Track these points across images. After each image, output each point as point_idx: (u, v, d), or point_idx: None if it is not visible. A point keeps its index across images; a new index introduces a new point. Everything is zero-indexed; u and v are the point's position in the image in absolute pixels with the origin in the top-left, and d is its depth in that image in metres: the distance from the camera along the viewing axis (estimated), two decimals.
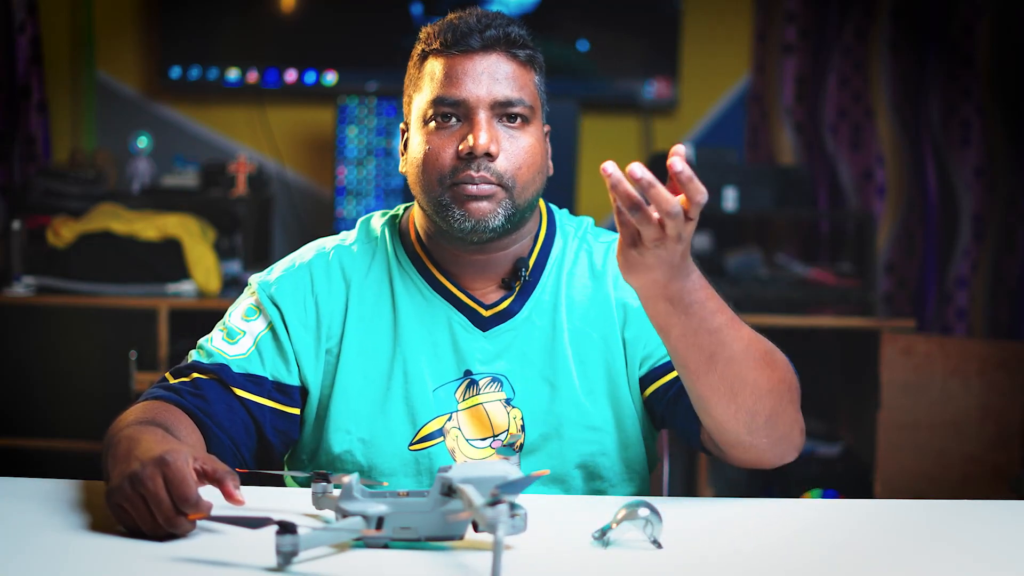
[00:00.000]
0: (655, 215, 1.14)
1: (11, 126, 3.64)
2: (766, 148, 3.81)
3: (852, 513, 1.37)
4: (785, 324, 3.31)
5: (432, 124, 1.42)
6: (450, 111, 1.41)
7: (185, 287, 3.31)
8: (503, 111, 1.41)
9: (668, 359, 1.44)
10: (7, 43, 3.61)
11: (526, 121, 1.43)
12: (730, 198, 3.49)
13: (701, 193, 1.13)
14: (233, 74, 3.75)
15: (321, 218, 3.79)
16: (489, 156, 1.39)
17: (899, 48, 3.68)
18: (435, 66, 1.43)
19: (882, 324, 3.31)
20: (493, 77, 1.41)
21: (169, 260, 3.30)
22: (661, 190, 1.12)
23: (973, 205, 3.63)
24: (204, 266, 3.31)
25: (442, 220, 1.43)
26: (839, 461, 3.41)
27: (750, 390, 1.30)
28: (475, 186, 1.39)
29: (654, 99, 3.75)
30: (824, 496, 3.16)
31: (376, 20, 3.74)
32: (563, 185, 3.42)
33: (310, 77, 3.74)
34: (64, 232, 3.29)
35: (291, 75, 3.74)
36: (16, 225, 3.32)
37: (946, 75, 3.62)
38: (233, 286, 3.40)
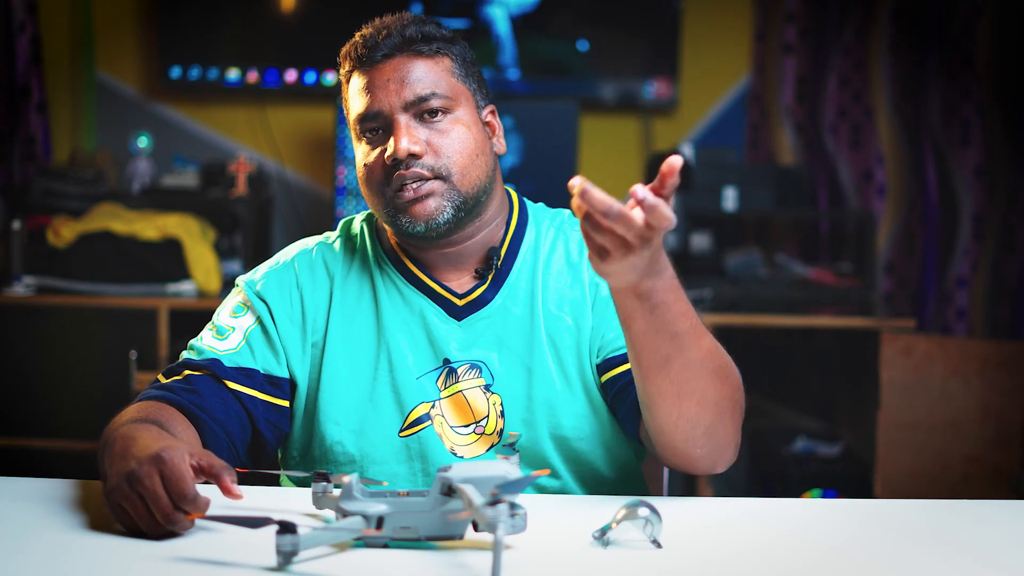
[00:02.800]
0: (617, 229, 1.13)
1: (11, 126, 3.64)
2: (766, 148, 3.81)
3: (852, 513, 1.37)
4: (785, 324, 3.32)
5: (363, 140, 1.47)
6: (373, 124, 1.45)
7: (185, 287, 3.31)
8: (420, 109, 1.44)
9: (622, 351, 1.46)
10: (7, 43, 3.61)
11: (448, 111, 1.45)
12: (730, 198, 3.49)
13: (668, 220, 1.12)
14: (233, 74, 3.75)
15: (321, 218, 3.79)
16: (414, 156, 1.42)
17: (899, 48, 3.69)
18: (354, 84, 1.48)
19: (882, 324, 3.31)
20: (401, 81, 1.44)
21: (169, 260, 3.30)
22: (626, 214, 1.11)
23: (973, 205, 3.63)
24: (204, 266, 3.31)
25: (396, 228, 1.47)
26: (839, 461, 3.41)
27: (696, 400, 1.30)
28: (411, 188, 1.43)
29: (654, 99, 3.75)
30: (824, 496, 3.16)
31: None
32: (563, 184, 3.42)
33: (310, 77, 3.75)
34: (64, 232, 3.29)
35: (291, 75, 3.74)
36: (16, 225, 3.32)
37: (946, 75, 3.62)
38: (233, 286, 3.39)
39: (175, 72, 3.75)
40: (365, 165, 1.47)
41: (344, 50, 1.49)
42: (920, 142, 3.64)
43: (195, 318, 3.17)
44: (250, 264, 3.49)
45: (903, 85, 3.69)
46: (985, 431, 3.21)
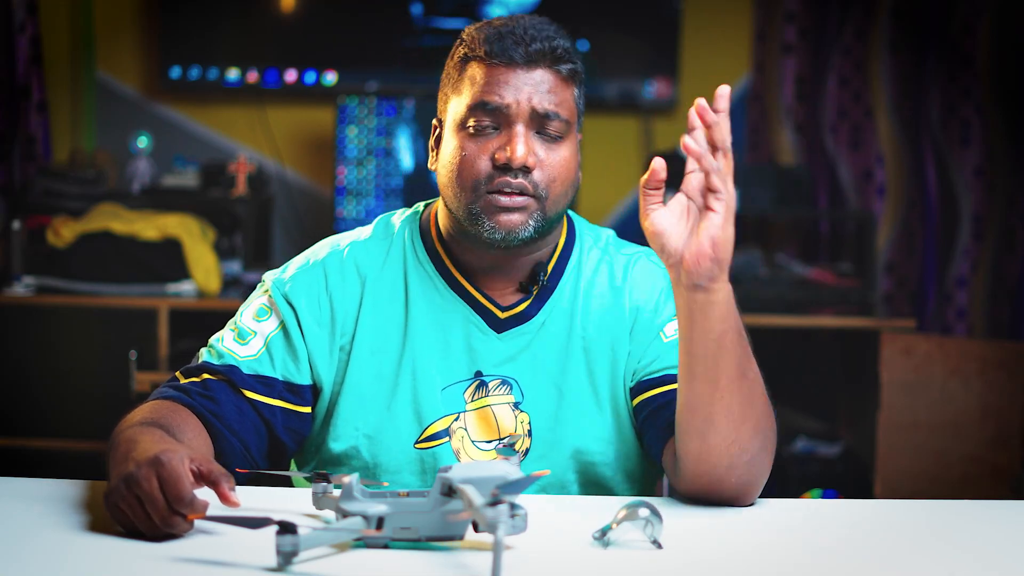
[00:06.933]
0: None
1: (11, 126, 3.64)
2: (766, 148, 3.81)
3: (852, 513, 1.37)
4: (785, 324, 3.31)
5: (469, 130, 1.42)
6: (488, 120, 1.41)
7: (185, 287, 3.31)
8: (540, 125, 1.41)
9: (658, 374, 1.44)
10: (7, 43, 3.61)
11: (562, 137, 1.43)
12: None
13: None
14: (233, 74, 3.75)
15: (321, 218, 3.78)
16: (526, 168, 1.39)
17: (899, 48, 3.68)
18: (476, 72, 1.42)
19: (882, 324, 3.31)
20: (535, 91, 1.41)
21: (169, 260, 3.30)
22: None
23: (973, 205, 3.63)
24: (204, 266, 3.31)
25: (472, 227, 1.43)
26: (839, 461, 3.41)
27: (752, 424, 1.28)
28: (508, 197, 1.40)
29: (654, 99, 3.75)
30: (824, 496, 3.16)
31: (376, 20, 3.74)
32: None
33: (310, 77, 3.74)
34: (64, 232, 3.29)
35: (291, 75, 3.74)
36: (16, 225, 3.32)
37: (946, 75, 3.62)
38: (233, 286, 3.40)
39: (175, 72, 3.75)
40: (464, 157, 1.41)
41: (479, 34, 1.43)
42: (920, 142, 3.64)
43: (195, 318, 3.21)
44: (250, 264, 3.49)
45: (903, 85, 3.69)
46: (985, 431, 3.21)
